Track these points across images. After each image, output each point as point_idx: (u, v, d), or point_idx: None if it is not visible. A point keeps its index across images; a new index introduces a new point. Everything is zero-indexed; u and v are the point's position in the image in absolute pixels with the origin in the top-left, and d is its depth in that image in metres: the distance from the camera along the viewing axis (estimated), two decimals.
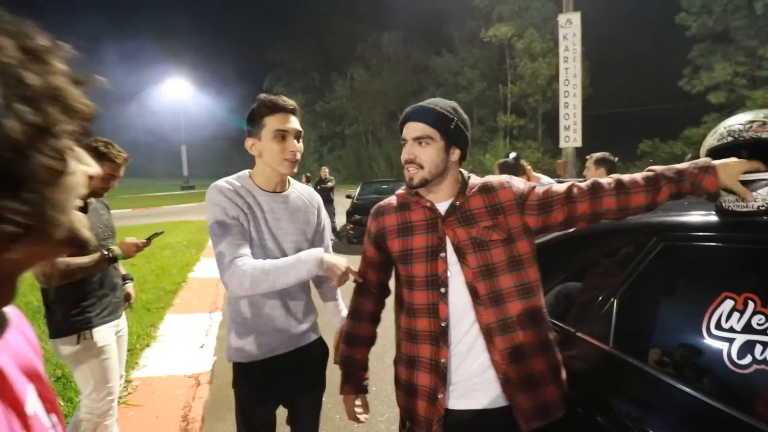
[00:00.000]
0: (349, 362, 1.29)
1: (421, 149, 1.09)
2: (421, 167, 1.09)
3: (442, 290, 1.08)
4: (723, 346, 0.87)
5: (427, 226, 1.13)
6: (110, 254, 1.78)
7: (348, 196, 10.21)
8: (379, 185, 10.91)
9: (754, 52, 16.03)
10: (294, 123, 1.31)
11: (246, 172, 1.38)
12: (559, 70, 12.58)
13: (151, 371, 3.19)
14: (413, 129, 1.09)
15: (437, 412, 1.09)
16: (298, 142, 1.32)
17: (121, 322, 2.00)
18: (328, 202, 9.43)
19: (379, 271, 1.27)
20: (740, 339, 0.85)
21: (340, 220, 9.99)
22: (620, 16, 23.56)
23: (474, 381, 1.08)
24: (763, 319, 0.83)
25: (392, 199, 1.24)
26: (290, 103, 1.31)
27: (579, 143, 12.79)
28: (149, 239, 1.91)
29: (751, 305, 0.85)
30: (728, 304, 0.88)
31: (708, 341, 0.90)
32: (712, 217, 1.03)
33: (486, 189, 1.13)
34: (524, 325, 1.06)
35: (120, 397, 2.24)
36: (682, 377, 0.93)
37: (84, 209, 1.82)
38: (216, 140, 56.35)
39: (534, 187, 1.12)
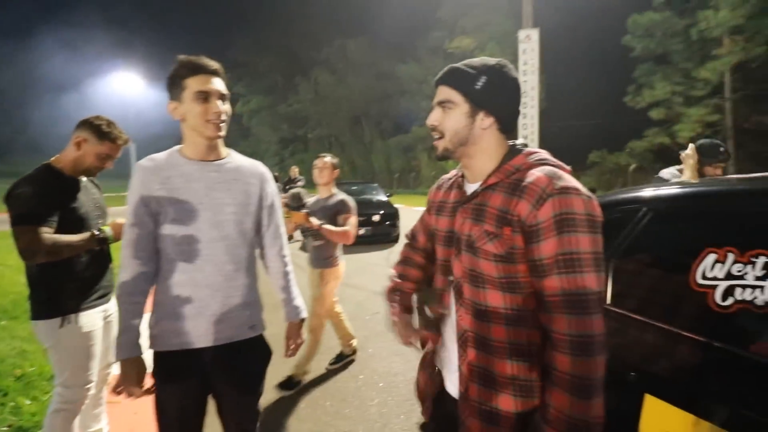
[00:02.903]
0: (397, 289, 1.22)
1: (444, 115, 0.96)
2: (443, 135, 0.96)
3: (450, 278, 1.02)
4: (709, 291, 1.02)
5: (453, 208, 1.03)
6: (101, 234, 1.72)
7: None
8: (348, 186, 10.92)
9: (689, 74, 17.73)
10: (218, 84, 1.25)
11: (177, 146, 1.33)
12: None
13: None
14: (438, 93, 0.98)
15: (433, 389, 1.09)
16: (224, 103, 1.27)
17: (111, 307, 1.90)
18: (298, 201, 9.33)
19: (428, 238, 1.21)
20: (723, 285, 1.00)
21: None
22: (574, 35, 25.22)
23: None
24: (741, 266, 0.99)
25: (451, 174, 1.13)
26: (213, 63, 1.25)
27: None
28: None
29: (731, 256, 1.01)
30: (711, 257, 1.04)
31: (696, 289, 1.05)
32: (692, 188, 1.21)
33: (515, 187, 0.89)
34: (505, 355, 0.90)
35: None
36: (675, 322, 1.08)
37: (76, 187, 1.76)
38: (166, 139, 53.47)
39: (556, 240, 0.83)
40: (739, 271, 0.98)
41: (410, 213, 12.89)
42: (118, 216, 1.79)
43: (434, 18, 29.31)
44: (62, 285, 1.69)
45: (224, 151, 1.35)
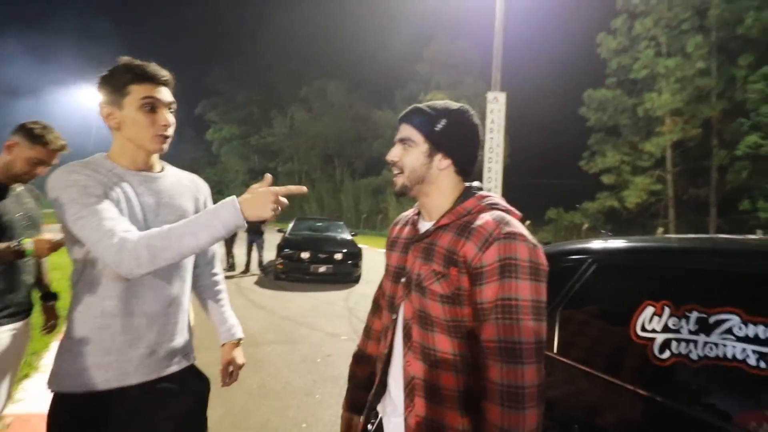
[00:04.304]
0: (351, 377, 1.22)
1: (404, 152, 0.97)
2: (401, 171, 0.98)
3: (394, 317, 1.00)
4: (648, 344, 1.04)
5: (405, 245, 1.03)
6: (18, 247, 1.56)
7: (279, 230, 9.93)
8: (313, 222, 10.81)
9: (636, 146, 19.61)
10: (167, 95, 1.12)
11: (100, 153, 1.14)
12: (485, 139, 14.02)
13: (30, 406, 2.69)
14: (401, 130, 1.00)
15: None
16: (172, 115, 1.14)
17: (22, 328, 1.72)
18: (259, 234, 9.06)
19: None
20: (660, 338, 1.03)
21: (269, 255, 9.62)
22: (538, 101, 27.57)
23: None
24: (676, 320, 1.02)
25: (409, 212, 1.13)
26: (164, 73, 1.12)
27: None
28: None
29: (667, 310, 1.04)
30: (649, 310, 1.07)
31: (636, 341, 1.07)
32: (632, 243, 1.27)
33: (464, 229, 0.89)
34: (455, 405, 0.86)
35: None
36: (616, 373, 1.08)
37: (2, 194, 1.64)
38: None
39: (497, 284, 0.82)
40: (675, 325, 1.01)
41: (374, 254, 12.84)
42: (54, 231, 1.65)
43: (412, 71, 31.05)
44: None
45: (158, 162, 1.21)
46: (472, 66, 28.49)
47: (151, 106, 1.08)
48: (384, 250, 1.17)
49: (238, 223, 0.96)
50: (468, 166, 0.99)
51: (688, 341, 0.97)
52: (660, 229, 17.36)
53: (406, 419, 0.91)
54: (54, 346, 3.89)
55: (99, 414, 1.04)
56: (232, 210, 0.95)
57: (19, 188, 1.74)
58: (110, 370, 1.05)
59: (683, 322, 0.99)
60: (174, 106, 1.15)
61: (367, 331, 1.22)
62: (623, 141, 20.37)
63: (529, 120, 27.05)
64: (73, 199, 0.98)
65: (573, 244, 1.44)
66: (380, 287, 1.20)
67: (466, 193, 0.98)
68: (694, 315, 0.98)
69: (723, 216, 18.10)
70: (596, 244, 1.36)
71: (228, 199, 0.97)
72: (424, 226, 1.00)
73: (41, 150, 1.65)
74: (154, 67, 1.10)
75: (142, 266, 0.93)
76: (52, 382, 1.06)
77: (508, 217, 0.90)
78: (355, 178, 37.53)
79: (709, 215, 18.50)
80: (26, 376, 3.20)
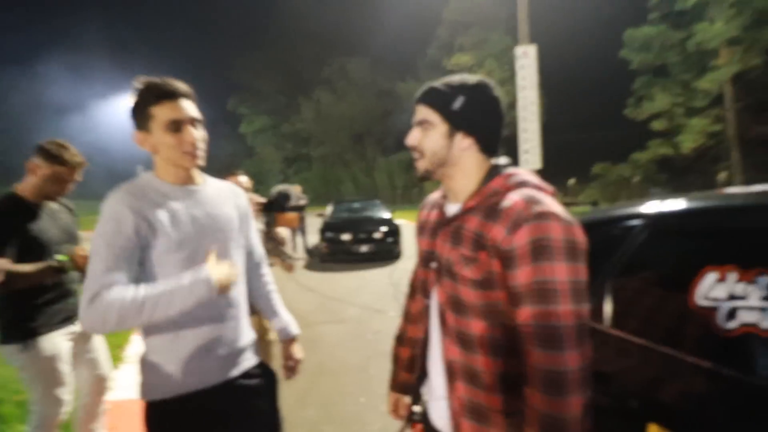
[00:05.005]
0: (394, 359, 1.25)
1: (422, 135, 0.94)
2: (422, 155, 0.95)
3: (428, 302, 1.01)
4: (710, 313, 0.97)
5: (433, 229, 1.01)
6: (57, 265, 1.70)
7: (319, 215, 10.18)
8: (350, 204, 10.96)
9: (688, 85, 17.83)
10: (188, 109, 1.14)
11: (148, 172, 1.21)
12: (517, 97, 13.30)
13: (122, 394, 3.00)
14: (417, 112, 0.96)
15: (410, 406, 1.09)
16: (197, 129, 1.16)
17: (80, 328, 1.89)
18: (300, 220, 9.34)
19: None
20: (725, 306, 0.96)
21: (312, 239, 9.90)
22: (572, 49, 25.62)
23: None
24: (744, 286, 0.94)
25: (436, 194, 1.10)
26: (180, 86, 1.14)
27: (538, 165, 13.41)
28: None
29: (732, 275, 0.96)
30: (712, 276, 0.99)
31: (697, 311, 1.00)
32: (690, 203, 1.17)
33: (492, 211, 0.86)
34: (494, 388, 0.85)
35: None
36: (677, 346, 1.03)
37: (38, 213, 1.76)
38: None
39: (531, 267, 0.78)
40: (742, 292, 0.93)
41: (413, 229, 12.84)
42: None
43: (433, 36, 29.85)
44: (22, 309, 1.71)
45: (199, 175, 1.27)
46: (496, 21, 26.87)
47: (176, 126, 1.12)
48: None
49: (210, 296, 1.04)
50: (492, 143, 0.94)
51: (758, 309, 0.90)
52: (723, 173, 15.95)
53: (450, 402, 0.92)
54: (133, 338, 4.26)
55: (187, 414, 1.13)
56: (206, 287, 1.03)
57: (53, 205, 1.85)
58: (190, 375, 1.13)
59: (752, 288, 0.91)
60: (199, 119, 1.17)
61: (406, 314, 1.24)
62: (673, 81, 18.57)
63: (564, 71, 25.35)
64: (101, 234, 1.06)
65: (622, 208, 1.36)
66: (415, 271, 1.20)
67: (492, 172, 0.93)
68: (765, 279, 0.90)
69: None
70: (648, 206, 1.27)
71: (202, 275, 1.03)
72: (451, 209, 0.97)
73: (60, 168, 1.75)
74: (170, 84, 1.12)
75: (107, 328, 1.00)
76: (142, 393, 1.16)
77: (538, 195, 0.84)
78: (387, 154, 37.29)
79: None
80: (114, 367, 3.57)
